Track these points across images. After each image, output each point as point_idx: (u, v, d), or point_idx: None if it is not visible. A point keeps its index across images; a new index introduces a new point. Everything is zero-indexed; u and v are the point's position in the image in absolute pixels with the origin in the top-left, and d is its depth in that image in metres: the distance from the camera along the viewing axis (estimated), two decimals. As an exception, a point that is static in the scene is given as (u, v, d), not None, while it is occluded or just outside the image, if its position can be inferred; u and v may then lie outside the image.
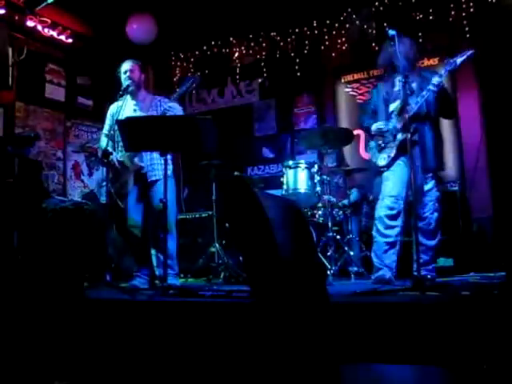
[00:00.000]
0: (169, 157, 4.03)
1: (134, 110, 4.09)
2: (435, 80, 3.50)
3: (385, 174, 3.78)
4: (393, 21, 5.51)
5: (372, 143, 3.90)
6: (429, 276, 3.55)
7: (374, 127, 3.83)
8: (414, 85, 3.65)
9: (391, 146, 3.73)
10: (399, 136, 3.68)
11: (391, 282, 3.55)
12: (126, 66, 4.11)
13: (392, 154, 3.71)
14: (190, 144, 3.50)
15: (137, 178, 4.01)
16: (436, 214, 3.67)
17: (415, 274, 3.32)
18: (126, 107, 4.03)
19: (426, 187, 3.66)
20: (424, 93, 3.55)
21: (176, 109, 3.89)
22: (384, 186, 3.77)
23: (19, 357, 2.80)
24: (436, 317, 2.32)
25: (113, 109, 4.20)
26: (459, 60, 3.46)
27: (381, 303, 2.60)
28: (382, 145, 3.78)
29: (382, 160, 3.78)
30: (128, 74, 4.07)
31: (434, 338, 2.23)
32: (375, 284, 3.56)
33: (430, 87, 3.51)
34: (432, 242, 3.66)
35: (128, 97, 4.09)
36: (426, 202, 3.64)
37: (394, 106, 3.77)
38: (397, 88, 3.78)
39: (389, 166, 3.74)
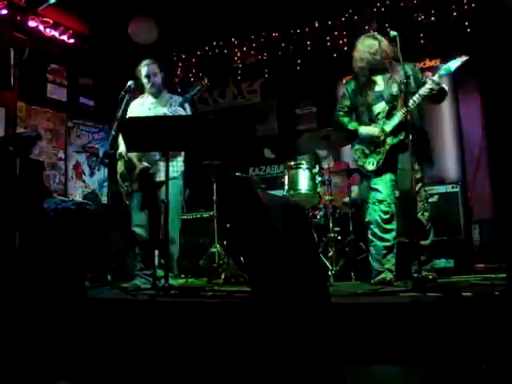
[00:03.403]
0: (181, 157, 4.09)
1: (149, 109, 4.12)
2: (425, 89, 3.44)
3: (373, 179, 3.72)
4: (394, 21, 5.52)
5: (357, 146, 3.79)
6: (430, 276, 3.53)
7: (362, 131, 3.72)
8: (395, 84, 3.58)
9: (380, 152, 3.65)
10: (389, 140, 3.60)
11: (392, 283, 3.53)
12: (148, 68, 4.12)
13: (381, 160, 3.64)
14: (191, 144, 3.50)
15: (143, 177, 4.03)
16: (426, 214, 3.61)
17: (415, 275, 3.31)
18: (143, 105, 4.11)
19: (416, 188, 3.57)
20: (415, 98, 3.45)
21: (181, 111, 3.92)
22: (374, 190, 3.72)
23: (22, 357, 2.80)
24: (437, 317, 2.32)
25: (132, 106, 4.20)
26: (454, 66, 3.40)
27: (382, 304, 2.60)
28: (371, 148, 3.69)
29: (369, 165, 3.69)
30: (152, 78, 4.10)
31: (435, 338, 2.23)
32: (378, 285, 3.52)
33: (419, 96, 3.45)
34: (426, 242, 3.59)
35: (147, 96, 4.17)
36: (416, 203, 3.55)
37: (380, 108, 3.68)
38: (378, 88, 3.69)
39: (378, 171, 3.67)
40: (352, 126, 3.80)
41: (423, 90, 3.46)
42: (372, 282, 3.71)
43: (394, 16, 5.70)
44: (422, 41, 5.43)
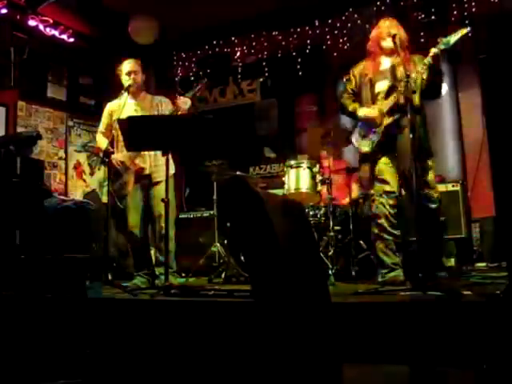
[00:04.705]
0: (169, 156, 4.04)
1: (135, 110, 4.09)
2: (426, 60, 3.31)
3: (380, 166, 3.56)
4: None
5: (357, 128, 3.71)
6: (442, 274, 3.40)
7: (361, 113, 3.64)
8: (401, 68, 3.41)
9: (376, 132, 3.54)
10: (384, 121, 3.50)
11: (404, 283, 3.31)
12: (130, 66, 4.11)
13: (376, 141, 3.53)
14: (192, 143, 3.50)
15: (138, 178, 4.02)
16: (434, 206, 3.47)
17: (419, 273, 3.26)
18: (126, 107, 4.03)
19: (424, 177, 3.44)
20: (419, 68, 3.35)
21: (188, 103, 3.87)
22: (379, 181, 3.56)
23: (23, 356, 2.80)
24: (437, 317, 2.32)
25: (111, 108, 4.20)
26: (453, 39, 3.25)
27: (382, 303, 2.60)
28: (367, 130, 3.60)
29: (365, 146, 3.59)
30: (132, 75, 4.07)
31: (435, 337, 2.23)
32: (388, 284, 3.34)
33: (428, 60, 3.30)
34: (436, 237, 3.46)
35: (127, 96, 4.06)
36: (423, 193, 3.42)
37: (381, 87, 3.60)
38: (383, 67, 3.64)
39: (374, 154, 3.55)
40: (352, 107, 3.72)
41: (421, 67, 3.36)
42: (381, 278, 3.50)
43: (394, 14, 5.68)
44: (422, 39, 5.41)
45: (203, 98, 7.14)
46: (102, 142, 4.15)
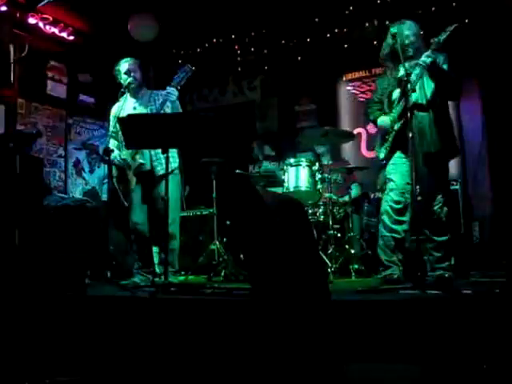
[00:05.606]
0: (175, 151, 4.05)
1: (134, 108, 4.10)
2: (422, 60, 3.36)
3: (388, 167, 3.63)
4: (394, 18, 5.50)
5: (378, 136, 3.77)
6: (446, 275, 3.40)
7: (378, 121, 3.69)
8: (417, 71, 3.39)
9: (388, 139, 3.59)
10: (395, 126, 3.53)
11: (400, 281, 3.35)
12: (128, 65, 4.12)
13: (388, 147, 3.58)
14: (192, 141, 3.50)
15: (139, 175, 4.02)
16: (446, 208, 3.50)
17: (432, 273, 3.29)
18: (126, 106, 4.04)
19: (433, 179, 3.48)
20: (417, 72, 3.36)
21: (174, 94, 3.83)
22: (388, 179, 3.62)
23: (21, 353, 2.80)
24: (437, 315, 2.32)
25: (115, 109, 4.22)
26: (442, 38, 3.29)
27: (381, 301, 2.60)
28: (384, 137, 3.65)
29: (381, 153, 3.66)
30: (131, 73, 4.08)
31: (435, 336, 2.23)
32: (384, 283, 3.38)
33: (421, 64, 3.35)
34: (443, 238, 3.48)
35: (128, 95, 4.11)
36: (433, 195, 3.47)
37: (396, 95, 3.61)
38: (400, 74, 3.57)
39: (387, 158, 3.61)
40: (373, 116, 3.78)
41: (416, 68, 3.39)
42: (379, 275, 3.59)
43: (394, 12, 5.68)
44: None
45: (204, 95, 7.14)
46: (111, 143, 4.17)
